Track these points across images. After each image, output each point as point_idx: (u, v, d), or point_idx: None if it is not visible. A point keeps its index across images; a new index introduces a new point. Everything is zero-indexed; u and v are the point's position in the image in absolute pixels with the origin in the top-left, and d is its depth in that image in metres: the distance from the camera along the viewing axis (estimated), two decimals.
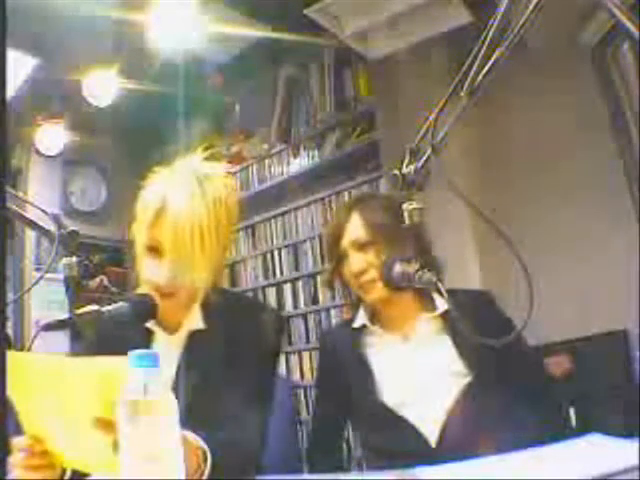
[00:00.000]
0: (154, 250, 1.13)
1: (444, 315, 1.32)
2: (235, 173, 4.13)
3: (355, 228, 1.35)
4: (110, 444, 0.74)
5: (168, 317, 1.22)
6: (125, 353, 0.69)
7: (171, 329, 1.24)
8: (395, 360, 1.32)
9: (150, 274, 1.14)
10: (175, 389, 1.13)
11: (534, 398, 1.26)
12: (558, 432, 1.09)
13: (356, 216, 1.37)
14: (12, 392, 0.83)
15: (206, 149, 1.23)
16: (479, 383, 1.23)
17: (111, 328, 1.03)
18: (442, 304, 1.30)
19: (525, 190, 2.67)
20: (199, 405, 1.06)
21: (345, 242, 1.36)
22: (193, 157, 1.21)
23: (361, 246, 1.34)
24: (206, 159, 1.21)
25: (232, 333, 1.20)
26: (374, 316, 1.41)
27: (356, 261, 1.33)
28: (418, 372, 1.28)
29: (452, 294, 0.89)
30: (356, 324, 1.41)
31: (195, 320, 1.22)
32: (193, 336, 1.21)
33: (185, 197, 1.09)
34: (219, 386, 1.14)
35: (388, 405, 1.26)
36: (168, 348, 1.21)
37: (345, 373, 1.37)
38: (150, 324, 1.21)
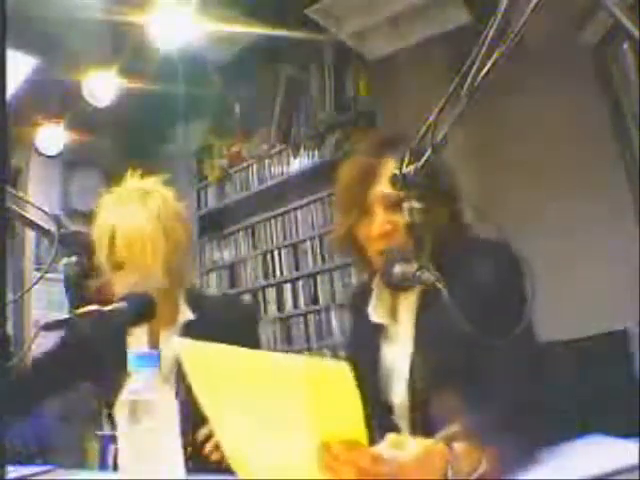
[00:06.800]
0: (116, 267, 1.31)
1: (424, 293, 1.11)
2: (235, 173, 4.14)
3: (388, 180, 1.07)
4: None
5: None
6: (124, 353, 0.69)
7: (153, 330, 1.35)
8: (387, 354, 1.20)
9: (118, 288, 1.31)
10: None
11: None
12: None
13: (391, 164, 1.09)
14: (195, 383, 0.78)
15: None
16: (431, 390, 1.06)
17: (111, 328, 1.03)
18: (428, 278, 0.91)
19: (525, 190, 2.67)
20: None
21: (373, 195, 1.13)
22: (131, 179, 1.45)
23: (392, 204, 1.10)
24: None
25: (218, 321, 1.35)
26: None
27: (381, 221, 1.11)
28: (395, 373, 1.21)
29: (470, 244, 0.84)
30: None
31: (185, 313, 1.38)
32: (187, 326, 1.36)
33: (130, 218, 1.31)
34: None
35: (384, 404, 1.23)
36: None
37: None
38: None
